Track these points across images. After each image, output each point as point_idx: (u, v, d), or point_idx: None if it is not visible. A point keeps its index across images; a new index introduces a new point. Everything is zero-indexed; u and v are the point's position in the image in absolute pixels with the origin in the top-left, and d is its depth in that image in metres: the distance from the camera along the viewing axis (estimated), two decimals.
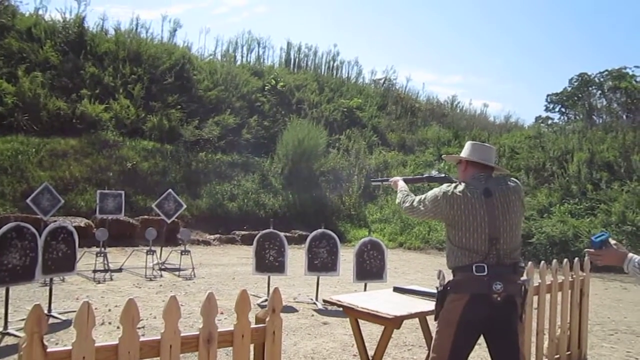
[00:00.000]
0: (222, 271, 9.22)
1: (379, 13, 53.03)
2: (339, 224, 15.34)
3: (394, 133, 21.15)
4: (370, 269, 6.68)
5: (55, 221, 7.04)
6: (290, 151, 16.75)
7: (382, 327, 3.32)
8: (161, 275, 8.39)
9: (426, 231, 14.33)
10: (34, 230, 5.04)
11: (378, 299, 3.56)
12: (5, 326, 4.88)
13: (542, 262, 4.35)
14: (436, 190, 2.82)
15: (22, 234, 4.87)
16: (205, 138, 16.29)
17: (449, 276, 2.74)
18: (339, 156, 18.38)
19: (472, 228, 2.65)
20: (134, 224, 11.71)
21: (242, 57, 22.73)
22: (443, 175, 3.57)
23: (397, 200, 3.15)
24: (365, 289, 6.28)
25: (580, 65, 59.60)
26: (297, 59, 23.83)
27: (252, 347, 2.44)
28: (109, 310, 5.86)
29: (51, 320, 5.27)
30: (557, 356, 4.31)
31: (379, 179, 4.16)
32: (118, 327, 4.51)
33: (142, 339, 2.10)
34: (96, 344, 1.98)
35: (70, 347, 1.94)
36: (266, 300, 5.71)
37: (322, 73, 23.91)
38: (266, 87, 19.97)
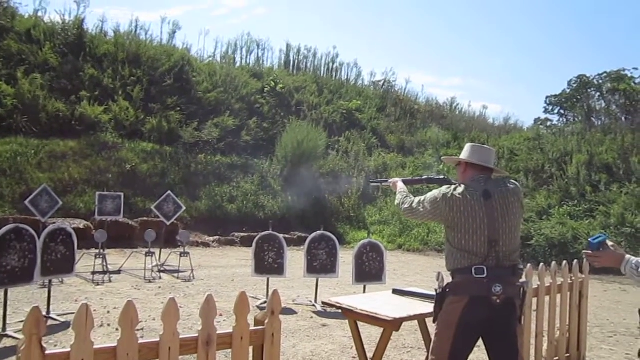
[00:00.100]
0: (221, 273, 9.21)
1: (379, 15, 53.16)
2: (338, 225, 15.35)
3: (393, 135, 21.15)
4: (369, 270, 6.69)
5: (54, 223, 7.04)
6: (289, 153, 16.75)
7: (381, 329, 3.32)
8: (160, 277, 8.37)
9: (425, 233, 14.34)
10: (32, 232, 5.03)
11: (377, 301, 3.56)
12: (4, 328, 4.87)
13: (541, 264, 4.36)
14: (435, 192, 2.81)
15: (21, 236, 4.86)
16: (205, 140, 16.29)
17: (448, 278, 2.74)
18: (338, 158, 18.39)
19: (472, 230, 2.64)
20: (133, 226, 11.70)
21: (241, 58, 22.78)
22: (442, 177, 3.56)
23: (397, 202, 3.14)
24: (364, 291, 6.27)
25: (579, 67, 59.64)
26: (296, 61, 23.83)
27: (251, 349, 2.44)
28: (108, 312, 5.84)
29: (50, 322, 5.26)
30: (557, 358, 4.31)
31: (378, 180, 4.16)
32: (117, 329, 4.52)
33: (141, 341, 2.10)
34: (95, 346, 1.98)
35: (69, 349, 1.94)
36: (265, 302, 5.70)
37: (322, 75, 23.89)
38: (265, 89, 19.97)
